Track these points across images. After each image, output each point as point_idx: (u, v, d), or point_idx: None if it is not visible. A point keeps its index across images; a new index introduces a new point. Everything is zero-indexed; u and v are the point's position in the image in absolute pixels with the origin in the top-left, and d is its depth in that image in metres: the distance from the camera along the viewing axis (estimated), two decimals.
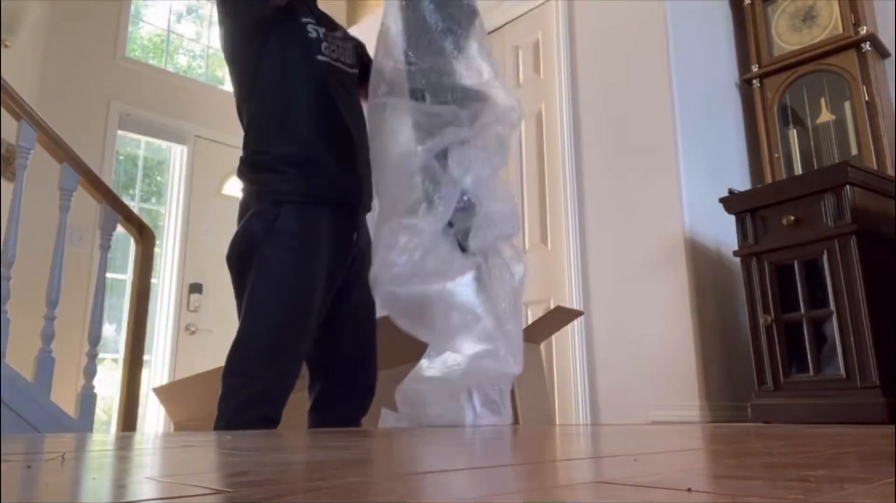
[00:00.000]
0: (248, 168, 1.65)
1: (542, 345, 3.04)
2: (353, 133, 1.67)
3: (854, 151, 2.94)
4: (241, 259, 1.59)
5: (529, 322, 3.11)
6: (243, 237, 1.60)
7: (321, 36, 1.70)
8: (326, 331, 1.66)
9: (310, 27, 1.69)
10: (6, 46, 3.64)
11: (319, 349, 1.68)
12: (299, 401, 2.23)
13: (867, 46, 2.97)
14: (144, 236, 3.08)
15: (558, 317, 2.59)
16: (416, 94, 1.57)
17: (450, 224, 1.54)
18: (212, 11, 5.07)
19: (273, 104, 1.63)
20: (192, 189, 4.64)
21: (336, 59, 1.72)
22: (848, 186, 2.38)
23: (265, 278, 1.55)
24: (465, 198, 1.56)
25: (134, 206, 4.47)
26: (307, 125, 1.62)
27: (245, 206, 1.63)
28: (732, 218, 2.67)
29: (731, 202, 2.67)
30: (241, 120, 1.69)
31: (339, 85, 1.70)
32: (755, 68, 3.27)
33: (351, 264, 1.68)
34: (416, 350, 1.97)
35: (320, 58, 1.67)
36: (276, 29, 1.62)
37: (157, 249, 3.70)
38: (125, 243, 4.06)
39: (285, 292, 1.55)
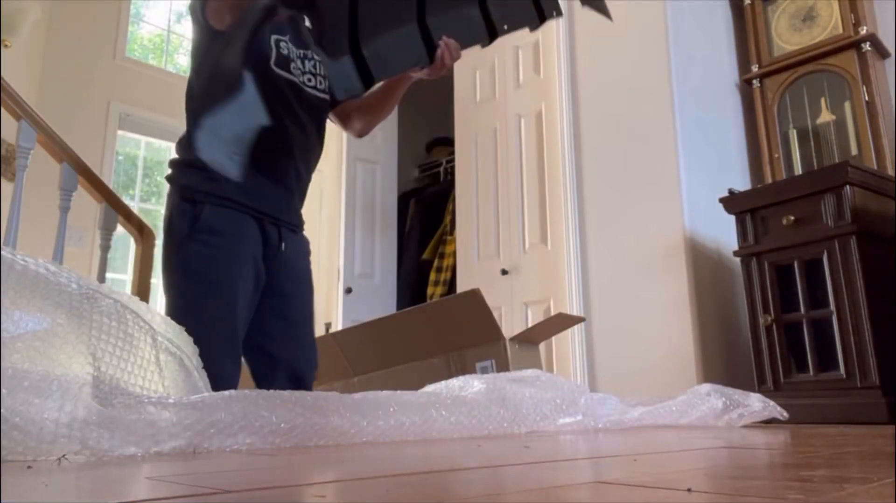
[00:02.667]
0: (179, 163, 1.68)
1: (542, 346, 3.04)
2: (294, 151, 1.69)
3: (854, 151, 2.94)
4: (166, 251, 1.64)
5: (530, 324, 3.12)
6: (168, 233, 1.64)
7: (291, 54, 1.71)
8: (259, 339, 1.67)
9: (281, 44, 1.69)
10: (6, 46, 3.64)
11: (255, 359, 1.69)
12: None
13: (867, 46, 2.97)
14: (144, 236, 3.07)
15: (559, 322, 2.59)
16: None
17: None
18: None
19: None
20: None
21: (303, 80, 1.72)
22: (848, 186, 2.38)
23: (189, 276, 1.59)
24: None
25: (134, 206, 4.47)
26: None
27: (171, 197, 1.66)
28: (732, 218, 2.67)
29: (731, 202, 2.67)
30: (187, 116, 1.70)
31: (297, 103, 1.70)
32: (755, 68, 3.27)
33: (275, 272, 1.68)
34: (423, 350, 1.96)
35: (280, 72, 1.67)
36: (237, 38, 1.59)
37: (156, 249, 3.69)
38: (125, 243, 4.06)
39: (210, 288, 1.58)
